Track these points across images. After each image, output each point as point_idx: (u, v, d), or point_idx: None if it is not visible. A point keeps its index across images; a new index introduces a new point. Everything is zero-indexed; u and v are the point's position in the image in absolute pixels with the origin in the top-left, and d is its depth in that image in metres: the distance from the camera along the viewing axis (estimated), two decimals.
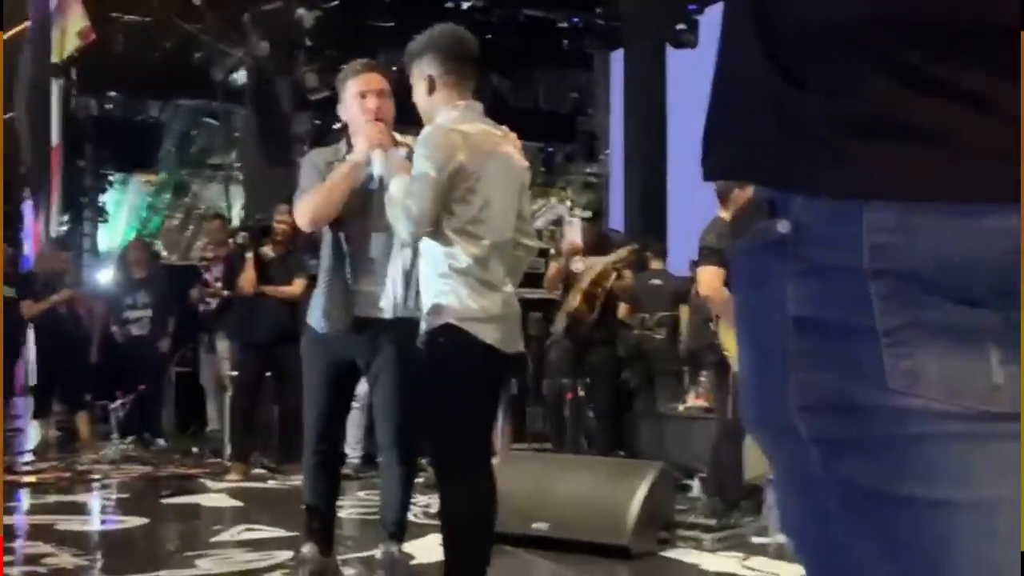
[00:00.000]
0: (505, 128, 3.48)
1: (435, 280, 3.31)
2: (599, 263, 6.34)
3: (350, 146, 3.78)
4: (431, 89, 3.37)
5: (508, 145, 3.44)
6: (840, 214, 0.80)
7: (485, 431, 3.49)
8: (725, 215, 5.32)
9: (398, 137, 3.72)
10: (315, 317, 3.81)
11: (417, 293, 3.55)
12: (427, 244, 3.33)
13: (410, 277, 3.63)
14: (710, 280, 5.18)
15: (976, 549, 0.78)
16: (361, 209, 3.69)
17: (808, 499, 0.86)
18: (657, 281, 7.62)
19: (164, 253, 14.62)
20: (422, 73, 3.38)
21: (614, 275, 6.26)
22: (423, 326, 3.31)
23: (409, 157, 3.46)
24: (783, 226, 0.84)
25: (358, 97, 3.71)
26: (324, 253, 3.81)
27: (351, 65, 3.82)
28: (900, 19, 0.77)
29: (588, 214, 7.20)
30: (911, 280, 0.78)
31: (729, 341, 5.28)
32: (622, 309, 7.14)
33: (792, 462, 0.86)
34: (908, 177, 0.77)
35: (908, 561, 0.80)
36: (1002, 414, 0.77)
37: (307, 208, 3.69)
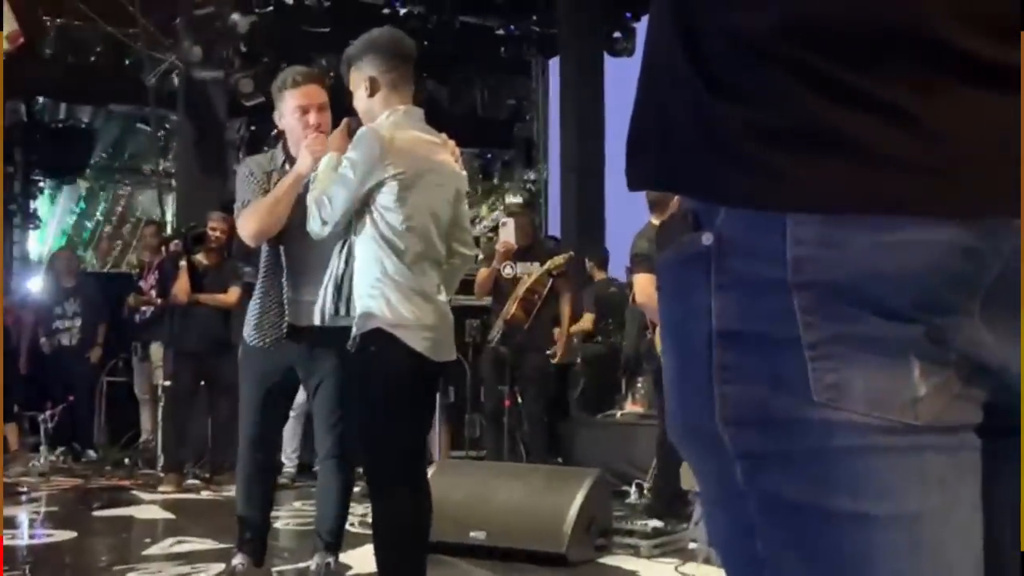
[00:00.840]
0: (443, 136, 3.47)
1: (366, 286, 3.29)
2: (534, 270, 6.36)
3: (286, 153, 3.77)
4: (373, 91, 3.35)
5: (445, 153, 3.44)
6: (762, 226, 0.80)
7: (417, 440, 3.47)
8: (656, 221, 5.36)
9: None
10: (249, 328, 3.77)
11: (351, 300, 3.55)
12: (360, 250, 3.32)
13: (342, 284, 3.61)
14: (645, 286, 5.23)
15: (898, 562, 0.78)
16: (299, 220, 3.67)
17: (732, 512, 0.86)
18: (614, 289, 7.75)
19: (95, 261, 14.39)
20: (362, 75, 3.36)
21: (550, 282, 6.27)
22: (353, 331, 3.30)
23: None
24: (707, 238, 0.84)
25: (298, 111, 3.69)
26: (262, 263, 3.77)
27: (289, 74, 3.78)
28: (814, 30, 0.77)
29: (519, 199, 7.17)
30: (834, 293, 0.78)
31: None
32: (586, 319, 7.17)
33: (717, 475, 0.86)
34: (828, 190, 0.77)
35: (829, 574, 0.79)
36: (924, 427, 0.78)
37: (252, 222, 3.66)
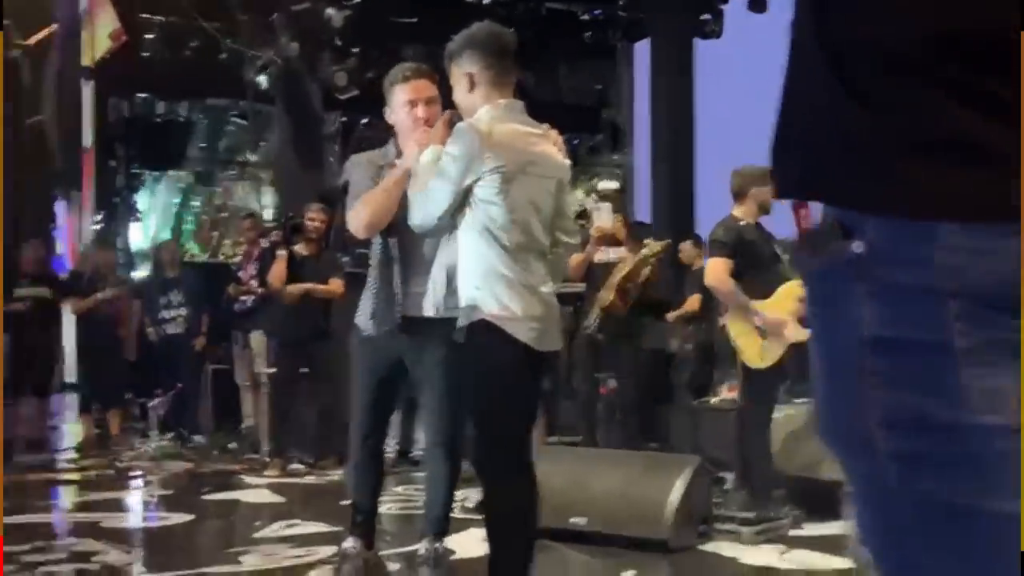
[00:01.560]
0: (545, 126, 3.51)
1: (471, 278, 3.36)
2: (626, 255, 6.40)
3: (397, 148, 3.85)
4: (471, 87, 3.41)
5: (546, 143, 3.48)
6: (913, 235, 0.82)
7: (524, 428, 3.54)
8: (739, 212, 5.42)
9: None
10: (363, 318, 3.89)
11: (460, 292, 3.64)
12: (463, 242, 3.39)
13: (453, 277, 3.69)
14: (716, 271, 5.32)
15: None
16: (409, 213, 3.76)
17: (884, 513, 0.89)
18: None
19: (195, 251, 14.75)
20: (461, 71, 3.42)
21: (647, 270, 6.29)
22: (459, 322, 3.39)
23: None
24: (857, 246, 0.87)
25: (407, 105, 3.78)
26: (373, 254, 3.89)
27: (399, 70, 3.87)
28: (961, 42, 0.79)
29: (615, 184, 7.16)
30: (986, 300, 0.80)
31: (736, 331, 5.36)
32: (693, 300, 7.10)
33: (869, 477, 0.89)
34: (979, 199, 0.80)
35: (986, 574, 0.83)
36: None
37: (363, 216, 3.76)
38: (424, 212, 3.39)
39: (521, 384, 3.39)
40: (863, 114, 0.84)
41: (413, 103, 3.77)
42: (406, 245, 3.80)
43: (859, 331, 0.86)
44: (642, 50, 12.28)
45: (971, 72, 0.79)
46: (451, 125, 3.47)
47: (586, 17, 13.06)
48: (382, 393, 3.94)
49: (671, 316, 6.97)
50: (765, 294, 5.33)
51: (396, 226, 3.77)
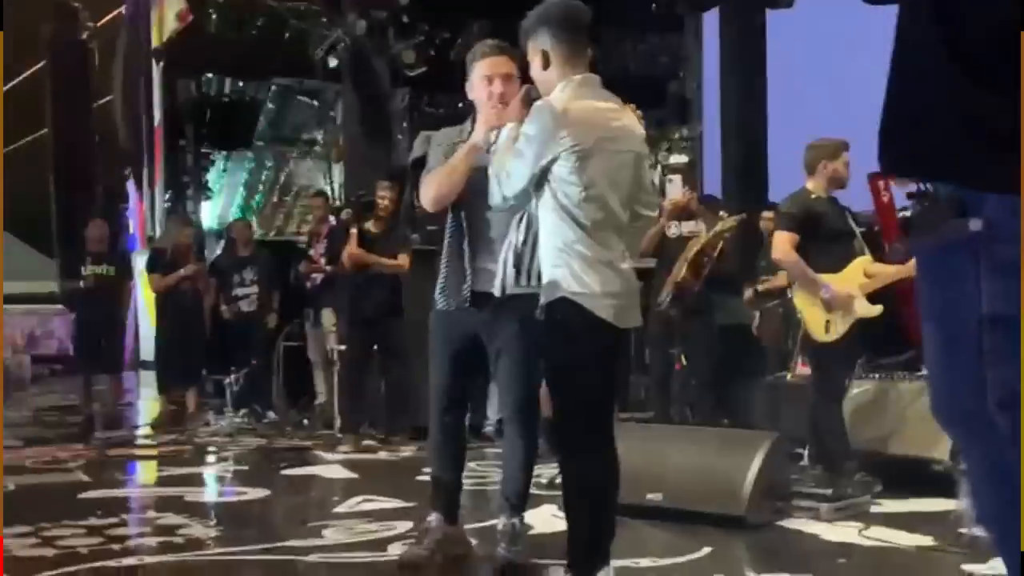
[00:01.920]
0: (619, 100, 3.49)
1: (550, 256, 3.37)
2: (699, 229, 6.34)
3: (473, 124, 3.86)
4: (546, 64, 3.40)
5: (623, 117, 3.45)
6: None
7: (605, 404, 3.53)
8: (811, 186, 5.38)
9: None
10: (436, 293, 3.94)
11: (534, 267, 3.63)
12: (542, 220, 3.39)
13: (522, 254, 3.69)
14: (781, 244, 5.32)
15: None
16: (481, 189, 3.76)
17: (1005, 491, 0.87)
18: None
19: (261, 230, 14.95)
20: (536, 48, 3.42)
21: (721, 244, 6.22)
22: (540, 300, 3.39)
23: None
24: (975, 224, 0.85)
25: (484, 80, 3.79)
26: (447, 230, 3.90)
27: (479, 47, 3.90)
28: None
29: (684, 158, 7.09)
30: None
31: (802, 304, 5.31)
32: (781, 276, 7.01)
33: (990, 455, 0.87)
34: None
35: None
36: None
37: (429, 190, 3.82)
38: (502, 191, 3.40)
39: (601, 360, 3.38)
40: (982, 94, 0.83)
41: (490, 79, 3.79)
42: (475, 221, 3.82)
43: (977, 308, 0.84)
44: (711, 21, 12.13)
45: None
46: (528, 102, 3.46)
47: None
48: (456, 369, 3.95)
49: (763, 287, 6.93)
50: (835, 268, 5.28)
51: (466, 201, 3.80)
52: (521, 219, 3.65)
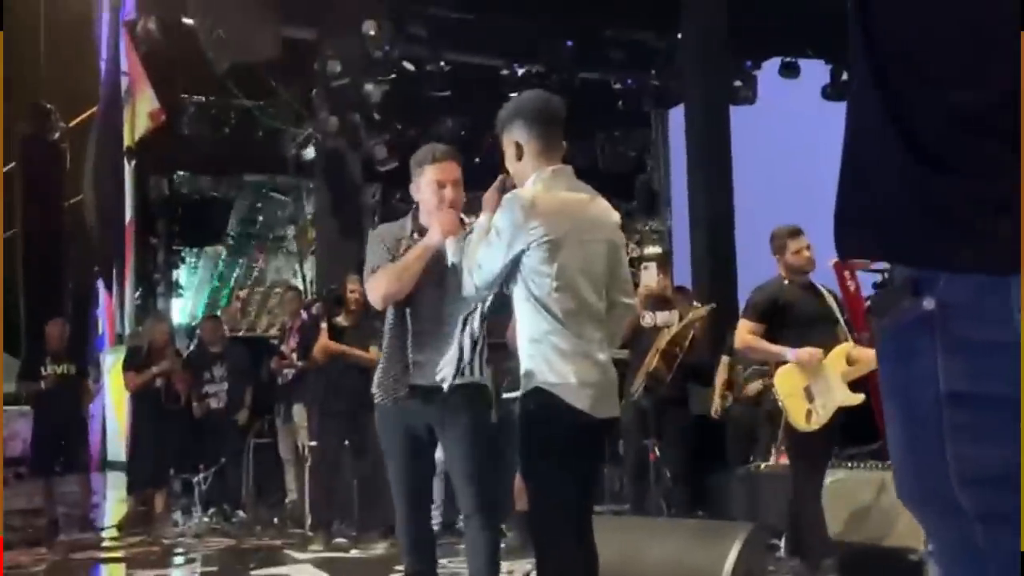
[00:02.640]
0: (591, 190, 3.52)
1: (526, 345, 3.36)
2: (672, 319, 6.37)
3: (416, 223, 3.91)
4: (519, 155, 3.43)
5: (596, 207, 3.48)
6: (986, 290, 0.82)
7: (582, 497, 3.48)
8: (782, 272, 5.43)
9: (465, 220, 3.81)
10: (374, 387, 3.91)
11: (480, 361, 3.69)
12: (517, 311, 3.39)
13: (476, 345, 3.70)
14: (739, 332, 5.40)
15: None
16: (428, 286, 3.79)
17: (976, 570, 0.86)
18: None
19: (234, 324, 14.87)
20: (511, 139, 3.45)
21: (692, 334, 6.25)
22: (520, 392, 3.37)
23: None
24: (928, 303, 0.86)
25: (434, 184, 3.83)
26: (387, 325, 3.90)
27: (429, 150, 3.93)
28: None
29: (658, 250, 7.16)
30: None
31: (784, 392, 5.28)
32: (754, 387, 7.01)
33: (957, 538, 0.86)
34: None
35: None
36: None
37: (380, 287, 3.80)
38: (474, 281, 3.40)
39: (578, 452, 3.34)
40: (936, 177, 0.84)
41: (441, 184, 3.82)
42: (421, 316, 3.82)
43: (936, 387, 0.84)
44: (677, 116, 12.37)
45: None
46: (503, 191, 3.49)
47: (619, 86, 13.21)
48: (414, 466, 3.87)
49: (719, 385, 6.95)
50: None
51: (412, 297, 3.80)
52: (468, 316, 3.69)
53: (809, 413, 5.20)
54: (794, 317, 5.32)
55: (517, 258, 3.31)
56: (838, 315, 5.38)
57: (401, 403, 3.80)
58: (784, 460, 6.95)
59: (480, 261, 3.36)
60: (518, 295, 3.37)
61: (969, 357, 0.84)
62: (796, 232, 5.37)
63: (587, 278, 3.36)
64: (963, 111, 0.83)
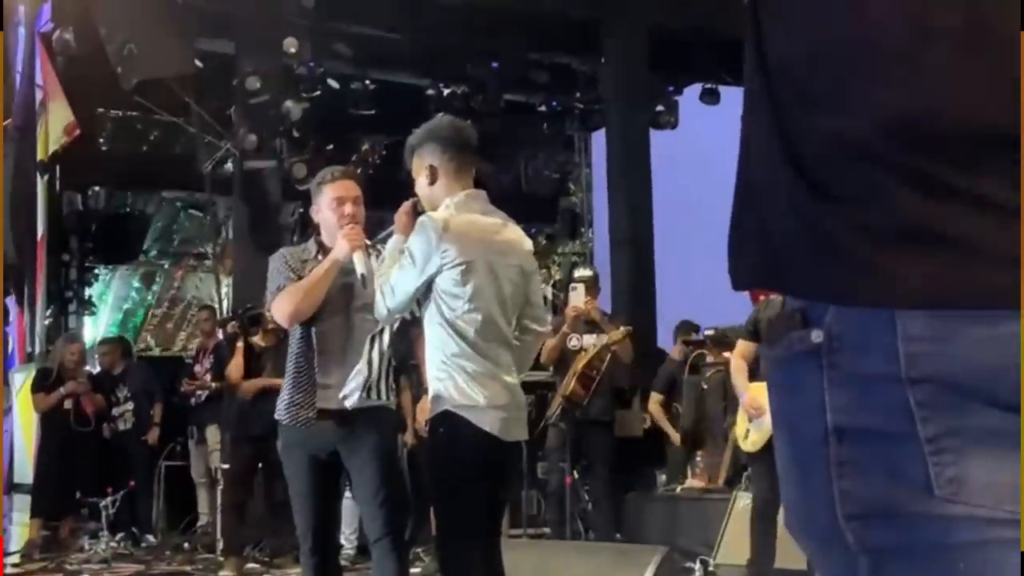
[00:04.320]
0: (504, 215, 3.52)
1: (434, 368, 3.34)
2: (591, 345, 6.37)
3: (319, 245, 3.87)
4: (432, 179, 3.41)
5: (509, 231, 3.48)
6: (872, 323, 0.81)
7: (490, 521, 3.44)
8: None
9: (368, 242, 3.80)
10: (280, 410, 3.84)
11: (388, 383, 3.67)
12: (428, 333, 3.38)
13: (371, 371, 3.66)
14: (732, 357, 5.56)
15: None
16: (336, 305, 3.75)
17: None
18: None
19: (150, 342, 14.60)
20: (423, 163, 3.43)
21: (609, 357, 6.25)
22: (429, 415, 3.35)
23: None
24: (816, 335, 0.85)
25: (335, 202, 3.79)
26: (292, 346, 3.84)
27: (327, 171, 3.93)
28: (915, 130, 0.79)
29: (588, 273, 7.18)
30: (949, 387, 0.79)
31: (741, 413, 5.36)
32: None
33: (840, 571, 0.86)
34: (934, 286, 0.79)
35: None
36: None
37: (288, 305, 3.73)
38: (386, 303, 3.37)
39: (486, 475, 3.31)
40: (818, 203, 0.84)
41: (341, 201, 3.80)
42: (329, 336, 3.76)
43: (823, 421, 0.84)
44: (599, 140, 12.47)
45: (927, 159, 0.79)
46: (415, 214, 3.47)
47: (543, 108, 13.27)
48: (319, 488, 3.79)
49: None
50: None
51: (320, 316, 3.75)
52: (376, 335, 3.66)
53: (748, 433, 5.29)
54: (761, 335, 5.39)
55: (430, 281, 3.29)
56: None
57: (307, 427, 3.72)
58: (699, 482, 7.01)
59: (393, 284, 3.33)
60: (428, 317, 3.35)
61: (855, 391, 0.83)
62: None
63: (498, 302, 3.36)
64: (845, 135, 0.82)
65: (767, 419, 5.16)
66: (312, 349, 3.76)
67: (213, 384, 8.08)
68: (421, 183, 3.45)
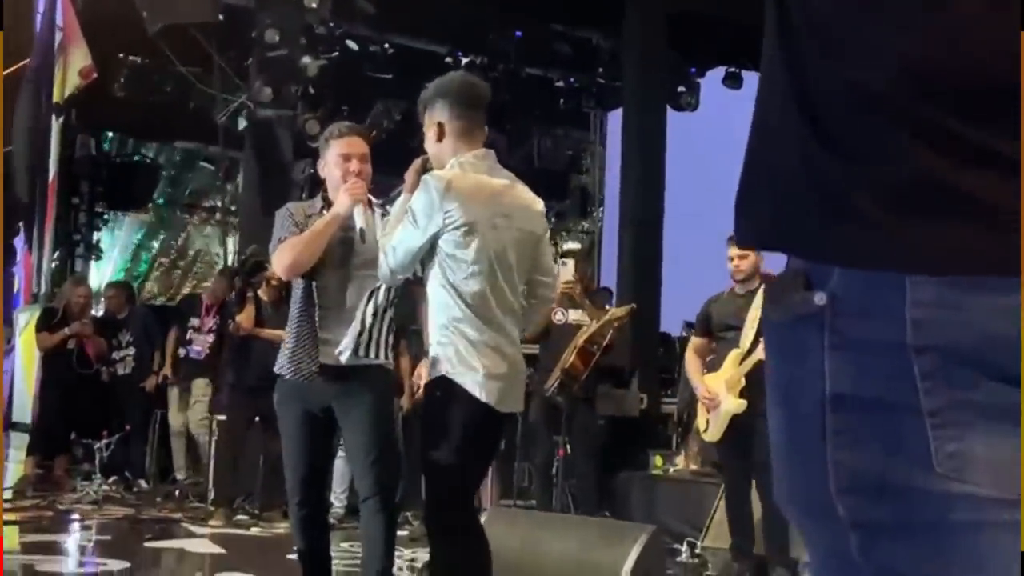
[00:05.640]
0: (513, 177, 3.45)
1: (435, 332, 3.30)
2: (582, 318, 6.33)
3: (325, 201, 3.84)
4: (440, 136, 3.36)
5: (517, 194, 3.41)
6: (879, 287, 0.77)
7: (473, 488, 3.45)
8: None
9: (373, 200, 3.77)
10: (283, 361, 3.81)
11: (384, 342, 3.62)
12: (430, 296, 3.32)
13: (364, 327, 3.63)
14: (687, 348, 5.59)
15: None
16: (336, 259, 3.73)
17: None
18: None
19: (155, 291, 14.60)
20: (432, 120, 3.38)
21: (611, 333, 6.22)
22: (428, 378, 3.33)
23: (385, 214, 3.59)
24: (819, 298, 0.81)
25: (340, 158, 3.76)
26: (295, 301, 3.82)
27: (334, 127, 3.90)
28: (932, 83, 0.75)
29: (576, 246, 7.12)
30: (955, 357, 0.75)
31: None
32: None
33: (830, 545, 0.82)
34: (947, 251, 0.75)
35: None
36: None
37: (287, 256, 3.70)
38: (389, 263, 3.32)
39: (477, 443, 3.28)
40: (831, 159, 0.80)
41: (347, 157, 3.76)
42: (329, 291, 3.74)
43: (821, 388, 0.80)
44: (615, 119, 12.39)
45: (945, 113, 0.75)
46: (424, 172, 3.42)
47: (561, 84, 13.17)
48: (313, 445, 3.79)
49: None
50: (721, 364, 5.32)
51: (318, 271, 3.72)
52: (373, 291, 3.63)
53: (708, 422, 5.29)
54: (713, 326, 5.39)
55: (433, 241, 3.24)
56: (755, 318, 5.20)
57: (308, 381, 3.72)
58: (690, 464, 7.02)
59: (396, 243, 3.28)
60: (432, 280, 3.30)
61: (857, 357, 0.79)
62: (729, 239, 5.40)
63: (502, 266, 3.30)
64: (863, 85, 0.78)
65: (723, 407, 5.17)
66: (313, 303, 3.74)
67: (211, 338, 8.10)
68: (429, 140, 3.40)
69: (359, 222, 3.62)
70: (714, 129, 12.14)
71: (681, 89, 11.98)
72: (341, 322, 3.70)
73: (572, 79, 13.11)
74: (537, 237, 3.44)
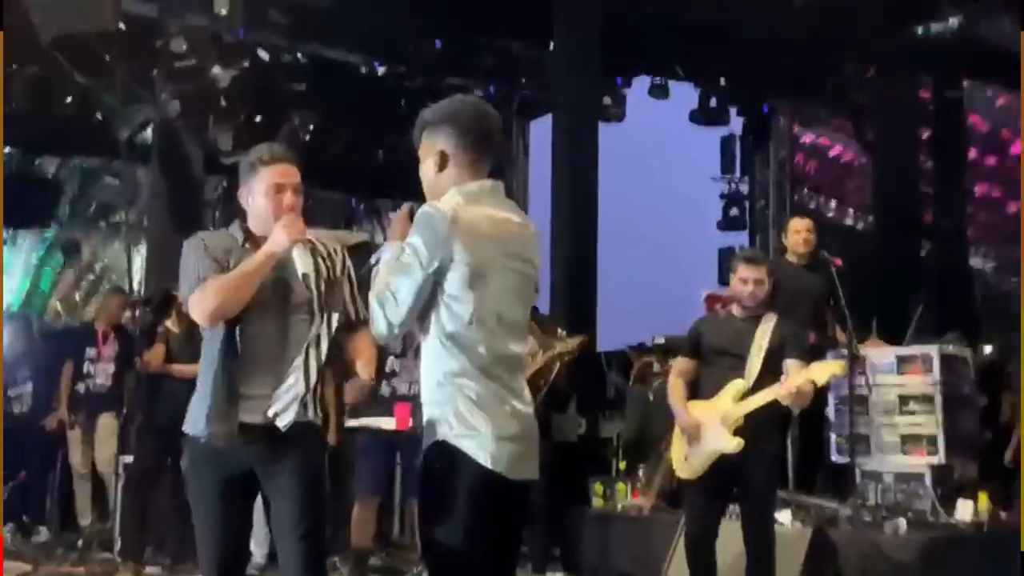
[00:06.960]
0: (521, 212, 3.01)
1: (429, 390, 2.85)
2: (539, 352, 5.89)
3: (247, 234, 3.36)
4: (442, 166, 2.91)
5: (519, 227, 2.96)
6: None
7: (498, 569, 2.91)
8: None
9: (309, 237, 3.33)
10: (197, 424, 3.26)
11: (318, 398, 3.20)
12: (425, 349, 2.87)
13: (316, 380, 3.20)
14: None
15: None
16: (268, 304, 3.26)
17: None
18: None
19: (59, 311, 14.03)
20: (434, 147, 2.93)
21: (558, 366, 5.80)
22: (423, 444, 2.85)
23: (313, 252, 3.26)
24: None
25: (273, 188, 3.31)
26: (209, 349, 3.29)
27: (263, 150, 3.38)
28: None
29: None
30: None
31: (677, 431, 4.93)
32: None
33: None
34: None
35: None
36: None
37: (211, 300, 3.19)
38: (388, 317, 2.82)
39: (488, 520, 2.79)
40: None
41: (279, 188, 3.31)
42: (258, 340, 3.24)
43: None
44: (538, 129, 12.13)
45: None
46: (411, 220, 2.95)
47: (480, 94, 12.86)
48: (231, 513, 3.27)
49: None
50: (711, 393, 4.83)
51: (247, 317, 3.23)
52: (312, 342, 3.20)
53: (687, 457, 4.81)
54: (703, 350, 4.90)
55: (435, 280, 2.79)
56: (763, 348, 4.77)
57: (227, 443, 3.20)
58: (639, 500, 6.63)
59: (394, 290, 2.80)
60: (427, 330, 2.85)
61: None
62: (746, 259, 4.95)
63: (510, 314, 2.87)
64: None
65: (709, 444, 4.70)
66: (235, 354, 3.22)
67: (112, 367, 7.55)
68: (427, 168, 2.94)
69: (301, 266, 3.20)
70: (641, 141, 11.98)
71: (607, 100, 11.77)
72: (269, 375, 3.21)
73: (491, 88, 12.83)
74: (535, 284, 3.04)
